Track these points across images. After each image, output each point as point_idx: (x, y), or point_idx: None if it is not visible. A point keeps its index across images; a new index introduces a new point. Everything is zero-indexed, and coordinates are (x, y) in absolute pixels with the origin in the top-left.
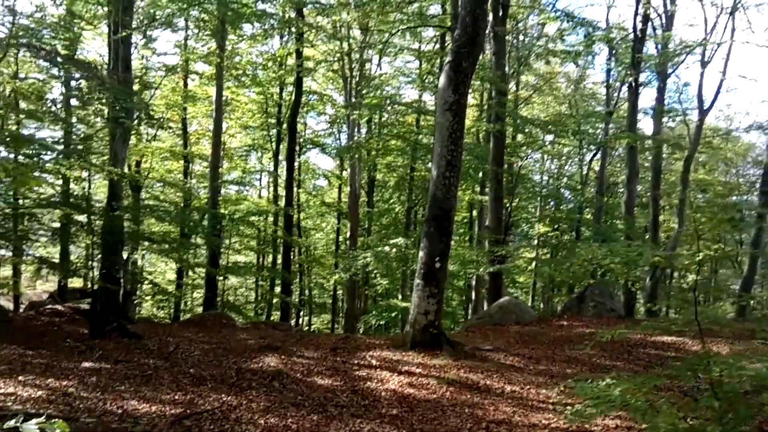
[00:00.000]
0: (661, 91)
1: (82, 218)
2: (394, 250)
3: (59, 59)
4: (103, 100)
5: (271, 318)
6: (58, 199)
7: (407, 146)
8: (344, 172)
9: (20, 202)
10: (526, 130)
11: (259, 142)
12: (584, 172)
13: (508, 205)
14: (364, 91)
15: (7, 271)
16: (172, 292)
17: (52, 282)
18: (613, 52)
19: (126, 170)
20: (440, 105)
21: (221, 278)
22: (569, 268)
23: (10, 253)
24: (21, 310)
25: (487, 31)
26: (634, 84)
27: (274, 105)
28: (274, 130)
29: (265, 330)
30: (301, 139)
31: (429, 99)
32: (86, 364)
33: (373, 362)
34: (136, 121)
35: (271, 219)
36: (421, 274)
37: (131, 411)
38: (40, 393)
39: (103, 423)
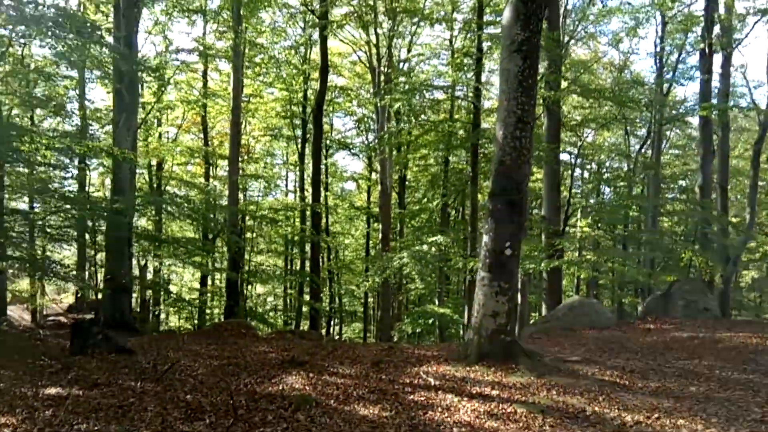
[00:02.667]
0: (725, 66)
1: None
2: (433, 249)
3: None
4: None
5: (301, 327)
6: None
7: (441, 137)
8: (374, 174)
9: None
10: (584, 105)
11: (283, 143)
12: (632, 165)
13: (565, 193)
14: (393, 80)
15: (26, 283)
16: (187, 300)
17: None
18: (666, 24)
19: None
20: (506, 47)
21: (247, 285)
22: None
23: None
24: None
25: None
26: (707, 50)
27: (298, 103)
28: (299, 131)
29: (291, 340)
30: (328, 140)
31: (462, 91)
32: (50, 391)
33: (431, 381)
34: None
35: (298, 222)
36: (486, 264)
37: None
38: None
39: None
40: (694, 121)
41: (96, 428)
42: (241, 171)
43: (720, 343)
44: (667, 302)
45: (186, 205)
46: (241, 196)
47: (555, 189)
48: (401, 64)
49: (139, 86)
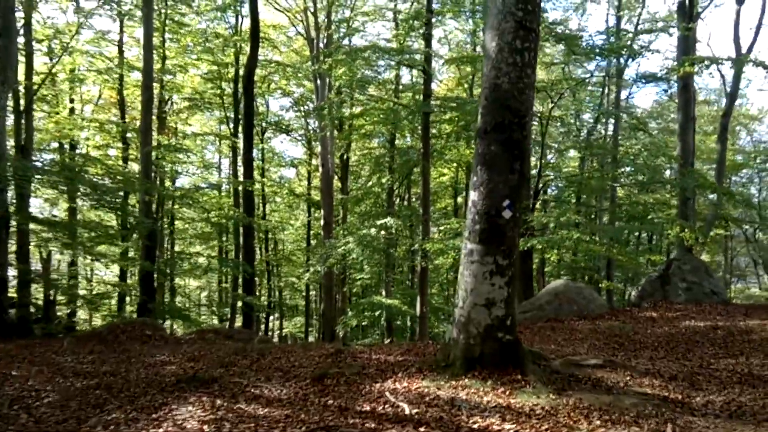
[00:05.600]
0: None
1: None
2: (382, 232)
3: None
4: None
5: (236, 324)
6: None
7: (387, 113)
8: (314, 160)
9: None
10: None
11: (214, 124)
12: (587, 139)
13: (536, 163)
14: (333, 46)
15: None
16: (86, 298)
17: None
18: None
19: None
20: None
21: (171, 278)
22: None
23: None
24: None
25: None
26: (687, 2)
27: (229, 80)
28: (231, 113)
29: (213, 342)
30: (264, 123)
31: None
32: None
33: (405, 408)
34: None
35: (230, 211)
36: (475, 232)
37: None
38: None
39: None
40: (642, 103)
41: None
42: (161, 150)
43: (752, 333)
44: (666, 285)
45: (68, 173)
46: (168, 184)
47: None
48: (342, 38)
49: (19, 34)
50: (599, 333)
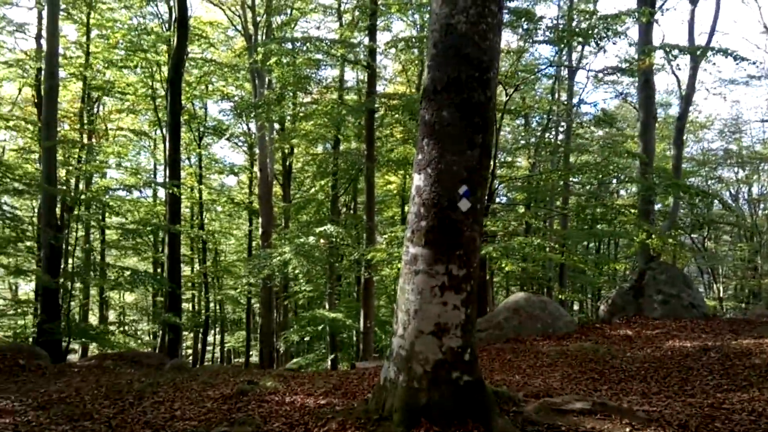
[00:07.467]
0: (648, 30)
1: None
2: (322, 241)
3: None
4: None
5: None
6: None
7: (330, 112)
8: (255, 168)
9: None
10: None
11: (148, 129)
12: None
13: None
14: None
15: None
16: None
17: None
18: None
19: None
20: None
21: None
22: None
23: None
24: None
25: None
26: None
27: (162, 79)
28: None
29: (108, 371)
30: (202, 127)
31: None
32: None
33: None
34: None
35: (155, 219)
36: (420, 230)
37: None
38: None
39: None
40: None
41: None
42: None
43: (752, 355)
44: (639, 298)
45: None
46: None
47: None
48: (281, 30)
49: None
50: (570, 357)
